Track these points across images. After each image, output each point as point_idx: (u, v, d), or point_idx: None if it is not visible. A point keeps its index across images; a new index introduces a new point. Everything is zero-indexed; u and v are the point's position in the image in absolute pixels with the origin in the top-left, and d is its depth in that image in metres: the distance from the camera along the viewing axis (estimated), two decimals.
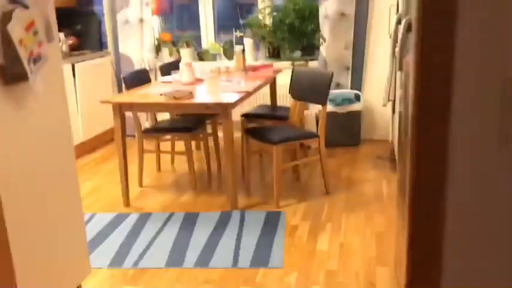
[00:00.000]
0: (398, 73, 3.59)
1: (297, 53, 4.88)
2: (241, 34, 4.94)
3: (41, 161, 1.94)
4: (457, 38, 1.23)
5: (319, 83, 3.45)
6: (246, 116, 4.07)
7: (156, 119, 4.12)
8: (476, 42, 1.24)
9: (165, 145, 4.63)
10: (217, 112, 3.35)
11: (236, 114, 3.98)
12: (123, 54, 5.06)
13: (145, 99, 3.27)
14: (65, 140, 2.10)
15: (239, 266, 2.61)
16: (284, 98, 4.66)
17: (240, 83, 3.65)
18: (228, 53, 5.09)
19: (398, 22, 2.34)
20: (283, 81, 4.49)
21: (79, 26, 4.90)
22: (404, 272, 1.55)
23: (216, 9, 5.18)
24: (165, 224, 3.14)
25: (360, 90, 4.66)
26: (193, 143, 4.63)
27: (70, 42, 4.85)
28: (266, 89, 4.48)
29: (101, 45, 5.10)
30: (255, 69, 4.27)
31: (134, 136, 4.57)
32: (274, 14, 4.82)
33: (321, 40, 4.57)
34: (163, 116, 4.46)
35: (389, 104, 4.23)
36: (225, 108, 3.11)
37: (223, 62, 4.88)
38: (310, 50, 4.83)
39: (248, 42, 4.89)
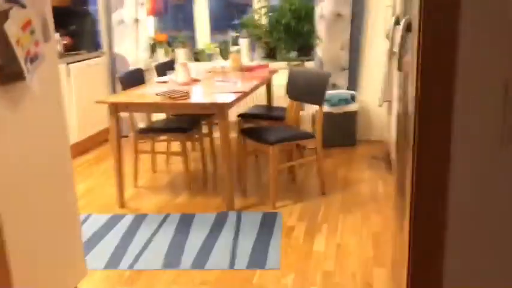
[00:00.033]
0: (395, 73, 3.60)
1: (293, 54, 4.88)
2: (237, 34, 4.93)
3: (37, 161, 1.92)
4: (459, 36, 1.23)
5: (316, 83, 3.45)
6: (242, 116, 4.06)
7: (151, 120, 4.10)
8: (478, 41, 1.24)
9: (160, 146, 4.61)
10: (214, 112, 3.34)
11: (232, 115, 3.97)
12: (118, 54, 5.04)
13: (141, 100, 3.25)
14: (62, 140, 2.09)
15: (236, 267, 2.60)
16: (280, 99, 4.65)
17: (236, 83, 3.64)
18: (224, 53, 5.08)
19: (397, 22, 2.34)
20: (279, 81, 4.49)
21: (74, 26, 4.87)
22: (404, 272, 1.54)
23: (210, 10, 5.16)
24: (160, 225, 3.12)
25: (355, 90, 4.66)
26: (188, 144, 4.61)
27: (65, 42, 4.82)
28: (262, 90, 4.47)
29: (95, 46, 5.07)
30: (251, 69, 4.26)
31: (128, 137, 4.55)
32: (270, 14, 4.81)
33: (317, 40, 4.57)
34: (158, 117, 4.44)
35: (385, 105, 4.23)
36: (221, 109, 3.10)
37: (219, 62, 4.86)
38: (306, 50, 4.83)
39: (244, 42, 4.88)
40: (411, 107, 1.41)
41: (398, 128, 2.28)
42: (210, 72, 4.26)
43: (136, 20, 4.92)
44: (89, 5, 4.99)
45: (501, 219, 1.31)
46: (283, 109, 4.10)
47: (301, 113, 4.32)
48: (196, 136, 3.96)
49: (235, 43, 4.81)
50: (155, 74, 4.33)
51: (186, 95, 3.22)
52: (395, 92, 3.29)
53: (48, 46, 1.90)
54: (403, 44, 1.85)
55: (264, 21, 4.88)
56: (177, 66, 3.76)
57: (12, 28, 1.62)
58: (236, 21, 5.09)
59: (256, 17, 4.93)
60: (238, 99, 3.23)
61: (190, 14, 5.17)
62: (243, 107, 4.60)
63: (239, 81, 3.71)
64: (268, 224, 3.07)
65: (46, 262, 2.00)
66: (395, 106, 3.43)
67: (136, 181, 3.82)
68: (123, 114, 3.88)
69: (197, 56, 5.15)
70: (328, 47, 4.56)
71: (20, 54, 1.66)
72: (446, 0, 1.22)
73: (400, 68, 1.93)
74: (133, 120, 3.75)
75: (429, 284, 1.41)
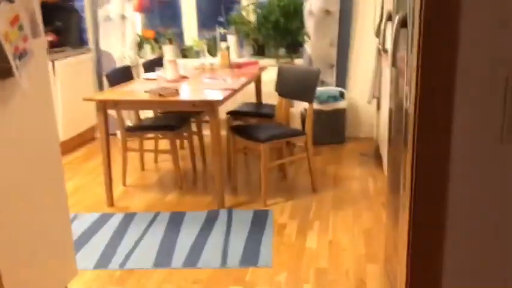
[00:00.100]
0: (384, 70, 3.60)
1: (282, 51, 4.86)
2: (225, 31, 4.90)
3: (27, 158, 1.88)
4: (459, 31, 1.23)
5: (306, 80, 3.43)
6: (232, 114, 4.03)
7: (139, 117, 4.05)
8: (479, 37, 1.23)
9: (147, 144, 4.56)
10: (203, 110, 3.31)
11: (221, 112, 3.94)
12: (104, 51, 4.97)
13: (130, 97, 3.21)
14: (51, 137, 2.04)
15: (228, 265, 2.57)
16: (269, 96, 4.63)
17: (226, 80, 3.61)
18: (212, 50, 5.04)
19: (389, 18, 2.33)
20: (268, 78, 4.47)
21: (59, 23, 4.78)
22: (404, 272, 1.54)
23: (198, 6, 5.12)
24: (150, 224, 3.09)
25: (344, 87, 4.66)
26: (176, 142, 4.57)
27: (50, 39, 4.73)
28: (251, 87, 4.44)
29: (81, 42, 5.00)
30: (239, 66, 4.23)
31: (115, 135, 4.49)
32: (259, 10, 4.79)
33: (306, 37, 4.55)
34: (145, 114, 4.39)
35: (374, 101, 4.24)
36: (212, 106, 3.07)
37: (207, 59, 4.83)
38: (294, 47, 4.82)
39: (232, 39, 4.85)
40: (409, 104, 1.40)
41: (390, 125, 2.28)
42: (198, 69, 4.22)
43: (123, 16, 4.86)
44: (75, 1, 4.91)
45: (501, 218, 1.31)
46: (272, 106, 4.08)
47: (290, 110, 4.31)
48: (185, 134, 3.93)
49: (223, 40, 4.77)
50: (142, 71, 4.28)
51: (176, 92, 3.19)
52: (386, 88, 3.29)
53: (36, 42, 1.85)
54: (396, 40, 1.84)
55: (252, 18, 4.86)
56: (165, 63, 3.71)
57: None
58: (222, 19, 5.06)
59: (244, 13, 4.90)
60: (228, 97, 3.20)
61: (178, 11, 5.12)
62: (232, 104, 4.57)
63: (228, 78, 3.69)
64: (259, 221, 3.06)
65: (36, 262, 1.96)
66: (385, 102, 3.43)
67: (125, 179, 3.78)
68: (110, 112, 3.83)
69: (185, 53, 5.10)
70: (316, 43, 4.55)
71: (8, 50, 1.61)
72: None
73: (394, 64, 1.92)
74: (122, 118, 3.70)
75: (429, 284, 1.41)
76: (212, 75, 3.85)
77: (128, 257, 2.69)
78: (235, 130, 3.49)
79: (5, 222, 1.77)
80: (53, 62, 4.33)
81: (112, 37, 4.90)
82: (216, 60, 4.39)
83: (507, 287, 1.35)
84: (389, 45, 1.98)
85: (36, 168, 1.95)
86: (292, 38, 4.69)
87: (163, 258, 2.66)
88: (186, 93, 3.27)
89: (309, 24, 4.53)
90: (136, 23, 5.05)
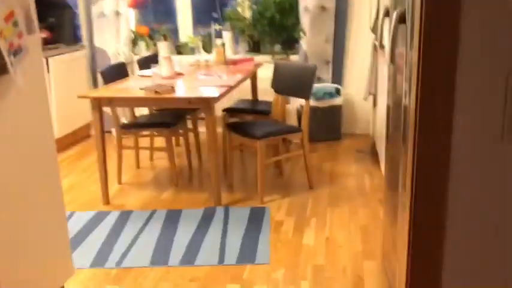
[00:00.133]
0: (380, 66, 3.59)
1: (277, 47, 4.85)
2: (220, 27, 4.88)
3: (22, 155, 1.86)
4: (460, 27, 1.22)
5: (303, 76, 3.42)
6: (227, 111, 4.01)
7: (134, 115, 4.02)
8: (480, 33, 1.22)
9: (142, 141, 4.53)
10: (199, 107, 3.29)
11: (217, 109, 3.92)
12: (98, 47, 4.93)
13: (125, 94, 3.19)
14: (46, 134, 2.02)
15: (225, 263, 2.56)
16: (265, 93, 4.62)
17: (221, 77, 3.59)
18: (207, 47, 5.01)
19: (386, 14, 2.32)
20: (264, 75, 4.45)
21: (52, 19, 4.74)
22: (403, 272, 1.53)
23: (192, 2, 5.09)
24: (147, 221, 3.07)
25: (340, 84, 4.65)
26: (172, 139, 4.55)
27: (43, 35, 4.69)
28: (246, 84, 4.42)
29: (75, 39, 4.96)
30: (235, 62, 4.21)
31: (111, 132, 4.46)
32: (254, 7, 4.77)
33: (301, 34, 4.54)
34: (141, 112, 4.36)
35: (370, 98, 4.24)
36: (208, 103, 3.05)
37: (202, 56, 4.80)
38: (290, 43, 4.80)
39: (227, 35, 4.82)
40: (408, 101, 1.39)
41: (388, 121, 2.27)
42: (193, 65, 4.20)
43: (117, 13, 4.82)
44: None
45: (501, 218, 1.30)
46: (268, 103, 4.07)
47: (286, 106, 4.30)
48: (181, 131, 3.91)
49: (219, 36, 4.75)
50: (137, 67, 4.25)
51: (172, 89, 3.17)
52: (382, 85, 3.28)
53: (31, 38, 1.83)
54: (395, 36, 1.83)
55: (247, 14, 4.83)
56: (160, 59, 3.69)
57: None
58: (217, 15, 5.03)
59: (239, 9, 4.87)
60: (224, 93, 3.19)
61: (172, 6, 5.09)
62: (228, 101, 4.55)
63: (224, 75, 3.67)
64: (256, 218, 3.05)
65: (32, 261, 1.94)
66: (382, 99, 3.43)
67: (120, 177, 3.75)
68: (105, 109, 3.80)
69: (180, 49, 5.07)
70: (312, 40, 4.54)
71: (3, 46, 1.59)
72: None
73: (392, 61, 1.91)
74: (117, 116, 3.67)
75: (429, 284, 1.40)
76: (207, 72, 3.83)
77: (124, 255, 2.67)
78: (231, 127, 3.48)
79: (1, 221, 1.74)
80: (46, 59, 4.29)
81: (106, 34, 4.87)
82: (211, 57, 4.36)
83: (507, 287, 1.34)
84: (386, 41, 1.97)
85: (32, 166, 1.93)
86: (287, 34, 4.68)
87: (160, 256, 2.65)
88: (182, 90, 3.25)
89: (305, 20, 4.51)
90: (130, 19, 5.01)
